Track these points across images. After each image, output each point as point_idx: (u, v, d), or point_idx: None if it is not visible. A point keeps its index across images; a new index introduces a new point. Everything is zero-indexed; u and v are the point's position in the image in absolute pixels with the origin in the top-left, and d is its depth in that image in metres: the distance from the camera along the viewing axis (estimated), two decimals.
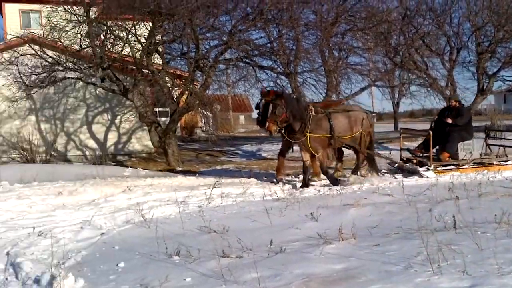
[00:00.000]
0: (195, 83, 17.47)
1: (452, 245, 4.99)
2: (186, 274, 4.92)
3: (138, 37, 16.43)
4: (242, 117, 58.03)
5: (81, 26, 15.90)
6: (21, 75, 16.67)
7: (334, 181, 10.65)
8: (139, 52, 16.50)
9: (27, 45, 17.08)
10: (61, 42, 16.08)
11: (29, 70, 16.72)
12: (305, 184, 10.74)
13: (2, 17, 25.87)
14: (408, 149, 13.22)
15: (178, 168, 16.36)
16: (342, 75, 18.24)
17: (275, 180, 11.47)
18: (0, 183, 11.31)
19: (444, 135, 12.05)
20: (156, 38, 16.94)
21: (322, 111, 11.03)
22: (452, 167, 11.75)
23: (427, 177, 10.93)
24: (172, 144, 17.16)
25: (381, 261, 4.82)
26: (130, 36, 16.30)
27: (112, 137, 22.31)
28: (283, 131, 10.76)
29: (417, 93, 21.51)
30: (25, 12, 25.08)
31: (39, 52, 16.62)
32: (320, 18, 17.69)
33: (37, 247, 6.48)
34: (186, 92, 17.10)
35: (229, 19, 17.34)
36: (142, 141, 22.38)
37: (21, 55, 16.90)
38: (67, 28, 15.88)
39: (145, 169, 16.20)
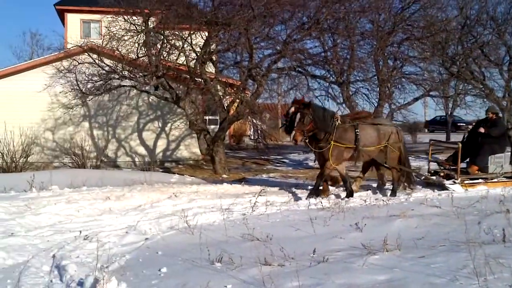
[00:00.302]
0: (246, 92, 17.51)
1: (500, 258, 4.84)
2: (227, 281, 4.92)
3: (194, 47, 16.62)
4: None
5: (139, 36, 16.19)
6: (78, 82, 17.19)
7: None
8: (194, 61, 16.68)
9: (86, 53, 17.56)
10: (118, 51, 16.42)
11: (86, 78, 17.21)
12: (350, 193, 10.52)
13: (64, 26, 26.81)
14: (437, 161, 12.98)
15: (224, 176, 16.42)
16: (396, 84, 17.92)
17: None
18: (50, 187, 11.61)
19: (476, 147, 11.73)
20: (211, 47, 17.08)
21: (350, 121, 10.83)
22: (480, 181, 11.42)
23: (453, 190, 10.63)
24: (219, 152, 17.25)
25: (425, 273, 4.72)
26: (185, 45, 16.50)
27: (161, 144, 22.60)
28: (307, 141, 10.56)
29: (472, 103, 20.90)
30: (86, 22, 25.99)
31: (97, 61, 17.06)
32: (377, 27, 17.46)
33: (83, 251, 6.60)
34: (237, 100, 17.18)
35: (284, 28, 17.29)
36: (190, 148, 22.57)
37: (80, 63, 17.40)
38: (125, 38, 16.19)
39: (191, 176, 16.36)
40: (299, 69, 17.56)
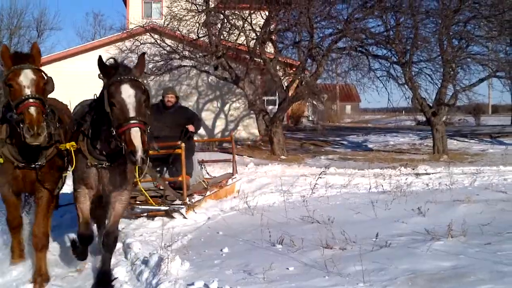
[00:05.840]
0: (305, 72, 17.37)
1: None
2: (288, 263, 4.93)
3: (254, 26, 16.57)
4: (348, 107, 57.69)
5: (199, 16, 16.31)
6: None
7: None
8: (253, 41, 16.64)
9: (147, 34, 17.79)
10: (179, 31, 16.60)
11: (148, 58, 17.43)
12: (82, 253, 5.37)
13: (126, 7, 27.21)
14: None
15: (283, 157, 16.33)
16: (460, 65, 17.31)
17: None
18: None
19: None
20: (271, 27, 17.00)
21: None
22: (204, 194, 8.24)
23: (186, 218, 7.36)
24: (278, 133, 17.13)
25: (492, 261, 4.59)
26: (246, 25, 16.47)
27: (220, 124, 22.85)
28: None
29: None
30: (148, 3, 26.19)
31: (158, 41, 17.28)
32: (442, 5, 16.82)
33: (146, 229, 6.79)
34: (297, 80, 17.05)
35: (346, 7, 17.02)
36: (248, 129, 22.70)
37: (142, 43, 17.62)
38: (186, 18, 16.35)
39: (250, 156, 16.38)
40: (360, 49, 17.23)
